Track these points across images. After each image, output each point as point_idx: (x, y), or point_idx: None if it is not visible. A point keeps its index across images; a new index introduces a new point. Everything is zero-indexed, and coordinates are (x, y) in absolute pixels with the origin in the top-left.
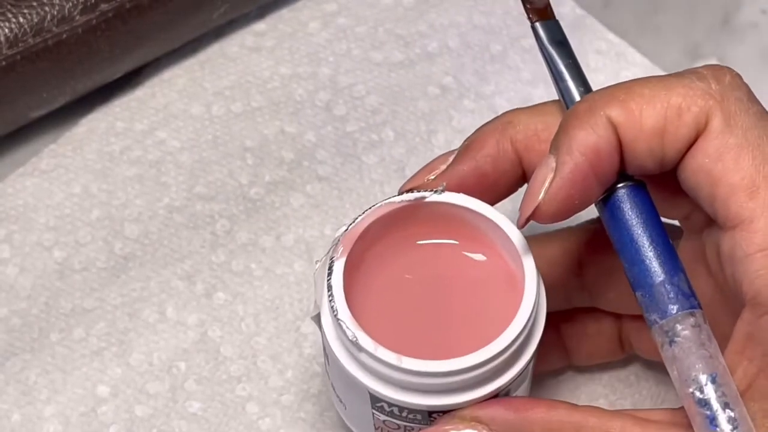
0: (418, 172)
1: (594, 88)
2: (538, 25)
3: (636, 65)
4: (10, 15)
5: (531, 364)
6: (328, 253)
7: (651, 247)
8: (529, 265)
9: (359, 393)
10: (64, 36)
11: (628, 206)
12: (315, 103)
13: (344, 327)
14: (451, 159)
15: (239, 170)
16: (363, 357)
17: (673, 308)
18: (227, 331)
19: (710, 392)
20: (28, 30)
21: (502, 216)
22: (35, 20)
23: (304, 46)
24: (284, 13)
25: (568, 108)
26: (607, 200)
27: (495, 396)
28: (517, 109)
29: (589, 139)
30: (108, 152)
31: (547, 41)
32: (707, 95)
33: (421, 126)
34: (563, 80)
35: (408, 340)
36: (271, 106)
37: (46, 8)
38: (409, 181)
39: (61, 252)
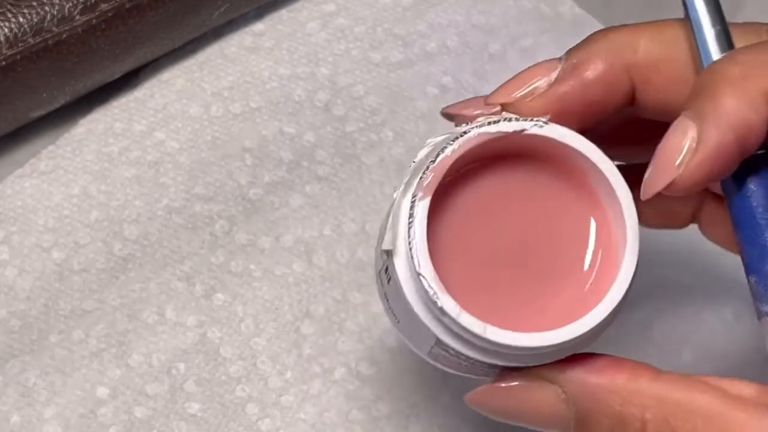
0: (511, 80)
1: None
2: None
3: None
4: (9, 15)
5: None
6: (409, 180)
7: None
8: (632, 230)
9: (424, 332)
10: (64, 36)
11: (758, 181)
12: (314, 103)
13: (426, 285)
14: (553, 75)
15: (238, 171)
16: (442, 316)
17: None
18: (226, 332)
19: None
20: (28, 30)
21: (612, 166)
22: (35, 20)
23: (302, 47)
24: (283, 13)
25: (699, 49)
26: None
27: None
28: (632, 26)
29: (742, 113)
30: (107, 153)
31: None
32: None
33: (420, 126)
34: (697, 14)
35: (489, 295)
36: (270, 107)
37: (46, 8)
38: (498, 92)
39: (60, 253)
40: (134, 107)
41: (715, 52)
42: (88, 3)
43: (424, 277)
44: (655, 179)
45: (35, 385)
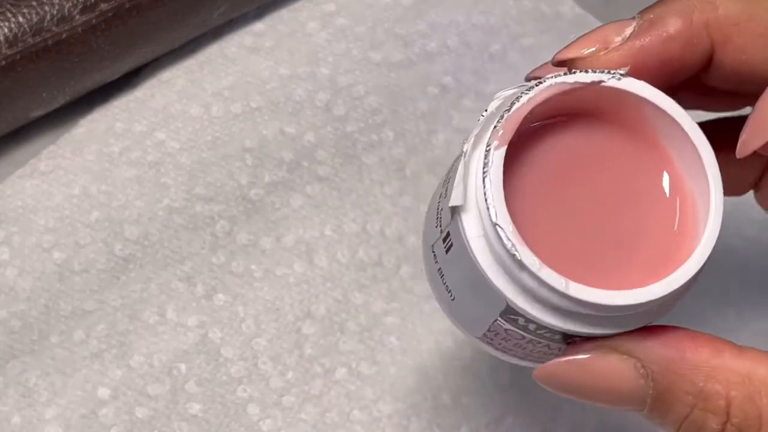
0: (583, 37)
1: None
2: None
3: None
4: (9, 14)
5: None
6: (481, 131)
7: None
8: (716, 188)
9: (489, 300)
10: (64, 36)
11: None
12: (314, 103)
13: (504, 237)
14: (627, 31)
15: (239, 171)
16: (518, 275)
17: None
18: (227, 332)
19: None
20: (28, 30)
21: (693, 123)
22: (35, 20)
23: (303, 47)
24: (283, 13)
25: None
26: None
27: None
28: None
29: None
30: (107, 153)
31: None
32: None
33: (420, 126)
34: None
35: (568, 252)
36: (271, 107)
37: (46, 8)
38: (568, 48)
39: (60, 254)
40: (134, 107)
41: None
42: (88, 3)
43: (501, 228)
44: (753, 136)
45: (36, 386)
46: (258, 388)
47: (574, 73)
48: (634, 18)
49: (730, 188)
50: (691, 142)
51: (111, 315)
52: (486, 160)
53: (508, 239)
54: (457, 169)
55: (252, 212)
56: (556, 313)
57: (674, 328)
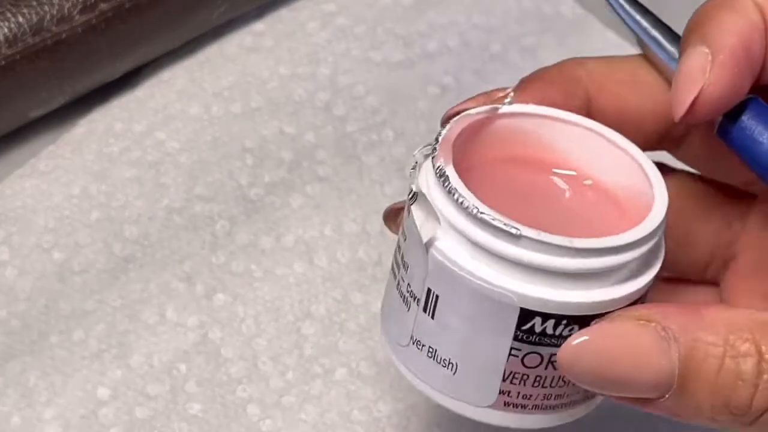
0: (471, 98)
1: None
2: None
3: None
4: (9, 14)
5: None
6: (422, 163)
7: None
8: (636, 150)
9: (498, 320)
10: (64, 36)
11: (766, 112)
12: (314, 103)
13: (492, 220)
14: (510, 90)
15: (239, 171)
16: (517, 251)
17: None
18: (227, 332)
19: None
20: (28, 29)
21: (583, 118)
22: (34, 20)
23: (303, 46)
24: (283, 13)
25: (657, 47)
26: (737, 111)
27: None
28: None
29: (740, 21)
30: (107, 153)
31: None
32: None
33: (421, 126)
34: (647, 31)
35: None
36: (271, 107)
37: (46, 8)
38: (457, 105)
39: (60, 254)
40: (134, 107)
41: (670, 46)
42: (88, 3)
43: (486, 213)
44: (682, 95)
45: (36, 386)
46: (258, 388)
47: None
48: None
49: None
50: (595, 132)
51: (111, 315)
52: (442, 176)
53: (497, 219)
54: (407, 234)
55: (252, 212)
56: (565, 283)
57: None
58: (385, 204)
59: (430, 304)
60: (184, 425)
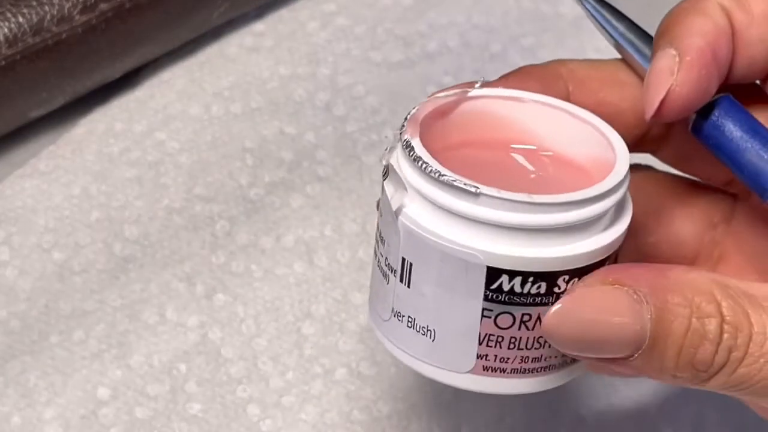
0: (446, 88)
1: None
2: None
3: None
4: (9, 15)
5: None
6: (394, 144)
7: None
8: (602, 124)
9: (467, 287)
10: (64, 36)
11: (736, 110)
12: (314, 103)
13: (453, 182)
14: (481, 78)
15: (239, 171)
16: (478, 210)
17: None
18: (227, 332)
19: None
20: (28, 30)
21: (542, 96)
22: (35, 20)
23: (303, 47)
24: (283, 13)
25: (633, 56)
26: (709, 109)
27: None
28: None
29: (707, 24)
30: (107, 153)
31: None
32: None
33: None
34: (623, 35)
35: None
36: (271, 107)
37: (46, 8)
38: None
39: (60, 254)
40: (134, 107)
41: (646, 48)
42: (88, 3)
43: (449, 176)
44: (652, 96)
45: (36, 386)
46: (258, 388)
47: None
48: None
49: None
50: (559, 108)
51: (111, 315)
52: (409, 148)
53: (458, 180)
54: (382, 210)
55: (252, 212)
56: (529, 240)
57: (646, 263)
58: None
59: (405, 273)
60: (184, 425)
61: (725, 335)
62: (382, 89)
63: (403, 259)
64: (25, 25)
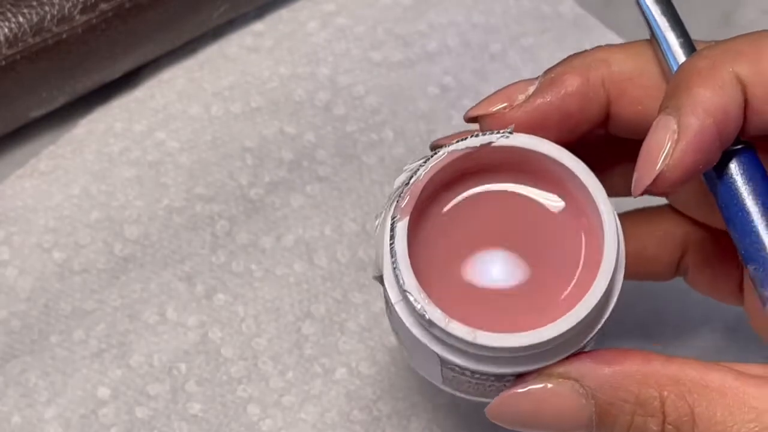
0: (491, 96)
1: None
2: None
3: None
4: (9, 15)
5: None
6: (388, 206)
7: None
8: (608, 219)
9: (427, 354)
10: (64, 36)
11: (741, 171)
12: (314, 103)
13: (412, 300)
14: (531, 89)
15: (239, 171)
16: (433, 330)
17: None
18: (227, 332)
19: None
20: (28, 30)
21: (578, 161)
22: (35, 20)
23: (303, 46)
24: (283, 13)
25: (667, 60)
26: (724, 163)
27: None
28: (609, 46)
29: (716, 99)
30: (107, 153)
31: None
32: None
33: (420, 126)
34: (661, 29)
35: (479, 303)
36: (271, 107)
37: (46, 8)
38: (478, 105)
39: (60, 253)
40: (134, 107)
41: (681, 57)
42: (88, 3)
43: (409, 293)
44: (642, 175)
45: (36, 386)
46: (258, 388)
47: (465, 139)
48: (537, 78)
49: (653, 273)
50: (581, 181)
51: (111, 315)
52: (392, 233)
53: (416, 301)
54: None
55: (252, 212)
56: (479, 360)
57: (605, 349)
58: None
59: (388, 306)
60: (184, 425)
61: None
62: (382, 89)
63: (385, 299)
64: (26, 25)
